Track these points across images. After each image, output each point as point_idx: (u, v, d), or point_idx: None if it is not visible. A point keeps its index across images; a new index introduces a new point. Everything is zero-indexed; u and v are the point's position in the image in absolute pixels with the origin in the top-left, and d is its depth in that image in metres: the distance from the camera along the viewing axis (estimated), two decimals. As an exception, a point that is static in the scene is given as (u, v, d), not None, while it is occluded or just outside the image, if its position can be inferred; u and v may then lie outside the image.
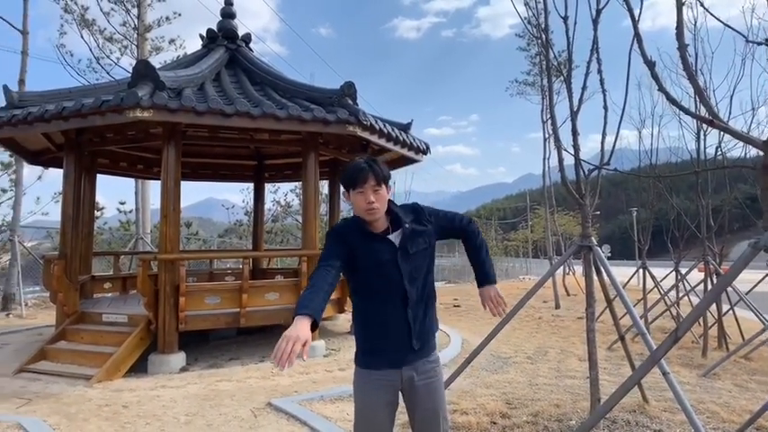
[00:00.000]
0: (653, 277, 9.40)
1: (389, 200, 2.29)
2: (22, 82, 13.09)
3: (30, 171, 13.99)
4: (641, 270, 9.71)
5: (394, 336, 2.21)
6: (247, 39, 8.83)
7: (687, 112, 2.39)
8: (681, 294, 9.45)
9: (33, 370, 5.95)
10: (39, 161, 8.91)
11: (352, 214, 2.35)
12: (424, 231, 2.30)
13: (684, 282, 9.15)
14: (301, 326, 1.85)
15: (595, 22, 4.03)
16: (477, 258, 2.46)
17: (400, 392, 2.28)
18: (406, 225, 2.25)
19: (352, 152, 8.41)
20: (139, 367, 6.04)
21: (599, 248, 4.07)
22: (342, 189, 2.31)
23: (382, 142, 7.27)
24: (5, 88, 6.89)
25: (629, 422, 4.04)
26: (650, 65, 2.30)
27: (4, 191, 15.35)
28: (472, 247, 2.46)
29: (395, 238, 2.23)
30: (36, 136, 7.37)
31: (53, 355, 6.30)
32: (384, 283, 2.20)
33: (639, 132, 8.90)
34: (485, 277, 2.44)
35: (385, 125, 7.19)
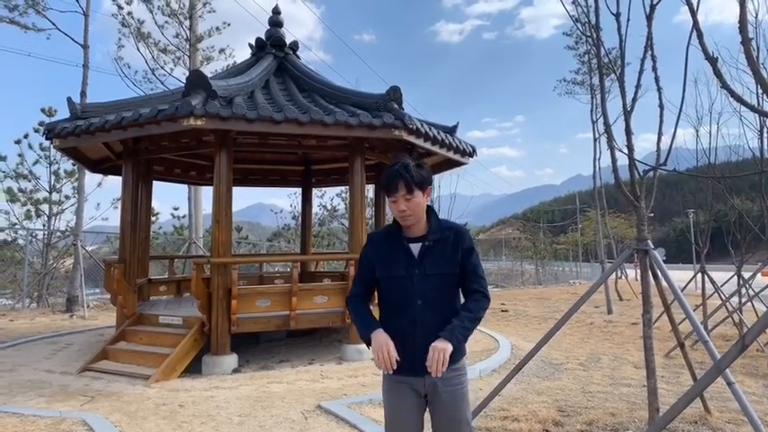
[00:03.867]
0: (713, 282, 8.98)
1: (430, 207, 2.31)
2: (83, 94, 13.76)
3: (90, 178, 14.69)
4: (700, 274, 9.30)
5: (404, 354, 2.18)
6: (295, 46, 8.99)
7: (753, 109, 2.28)
8: (744, 300, 8.99)
9: (96, 369, 6.22)
10: (99, 169, 9.34)
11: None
12: (451, 256, 2.24)
13: (747, 287, 8.69)
14: (383, 336, 2.13)
15: (649, 18, 3.89)
16: (459, 318, 2.18)
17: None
18: (427, 243, 2.24)
19: (397, 156, 8.41)
20: (194, 368, 6.22)
21: (655, 251, 3.92)
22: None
23: (428, 146, 7.25)
24: (69, 100, 7.24)
25: (691, 433, 3.88)
26: (712, 61, 2.20)
27: (68, 198, 16.20)
28: (465, 308, 2.22)
29: (416, 248, 2.25)
30: (97, 145, 7.73)
31: (114, 355, 6.57)
32: (398, 298, 2.23)
33: (697, 131, 8.55)
34: (449, 332, 2.11)
35: (430, 128, 7.17)
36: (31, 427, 4.19)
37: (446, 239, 2.25)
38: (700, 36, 2.31)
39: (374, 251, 2.31)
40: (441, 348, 2.05)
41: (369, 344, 2.19)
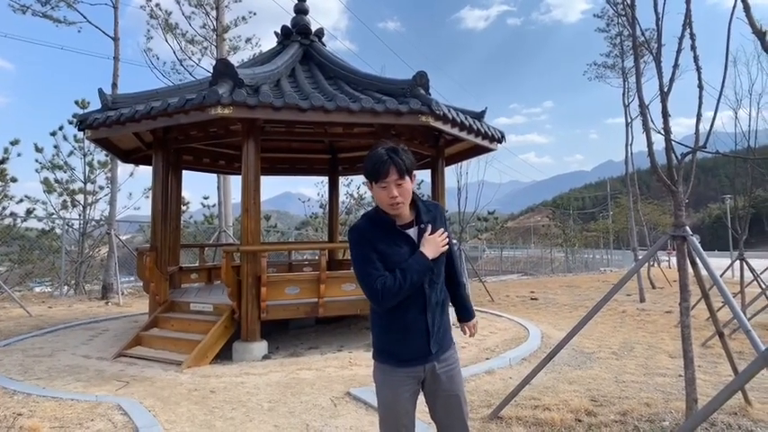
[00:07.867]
0: (752, 269, 8.69)
1: (414, 193, 2.23)
2: (114, 85, 14.00)
3: (122, 169, 15.00)
4: (738, 261, 9.01)
5: (413, 341, 2.21)
6: (320, 34, 8.93)
7: (804, 85, 2.14)
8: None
9: (130, 355, 6.36)
10: (130, 159, 9.49)
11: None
12: (444, 234, 2.29)
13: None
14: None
15: (688, -7, 3.71)
16: (459, 296, 2.53)
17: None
18: (422, 225, 2.21)
19: (424, 143, 8.33)
20: (225, 354, 6.31)
21: (694, 238, 3.78)
22: (364, 179, 2.22)
23: (455, 132, 7.14)
24: (100, 92, 7.34)
25: (731, 426, 3.75)
26: (760, 34, 2.08)
27: (102, 188, 16.58)
28: (457, 283, 2.50)
29: (414, 233, 2.21)
30: (127, 135, 7.84)
31: (147, 342, 6.71)
32: None
33: (735, 113, 8.24)
34: (467, 314, 2.58)
35: (458, 114, 7.05)
36: (68, 411, 4.31)
37: (435, 219, 2.26)
38: (747, 9, 2.19)
39: (374, 238, 2.15)
40: (475, 323, 2.62)
41: (429, 261, 2.15)
